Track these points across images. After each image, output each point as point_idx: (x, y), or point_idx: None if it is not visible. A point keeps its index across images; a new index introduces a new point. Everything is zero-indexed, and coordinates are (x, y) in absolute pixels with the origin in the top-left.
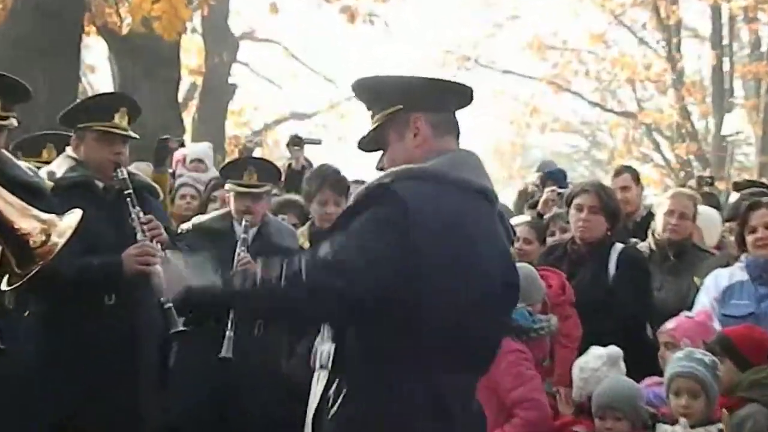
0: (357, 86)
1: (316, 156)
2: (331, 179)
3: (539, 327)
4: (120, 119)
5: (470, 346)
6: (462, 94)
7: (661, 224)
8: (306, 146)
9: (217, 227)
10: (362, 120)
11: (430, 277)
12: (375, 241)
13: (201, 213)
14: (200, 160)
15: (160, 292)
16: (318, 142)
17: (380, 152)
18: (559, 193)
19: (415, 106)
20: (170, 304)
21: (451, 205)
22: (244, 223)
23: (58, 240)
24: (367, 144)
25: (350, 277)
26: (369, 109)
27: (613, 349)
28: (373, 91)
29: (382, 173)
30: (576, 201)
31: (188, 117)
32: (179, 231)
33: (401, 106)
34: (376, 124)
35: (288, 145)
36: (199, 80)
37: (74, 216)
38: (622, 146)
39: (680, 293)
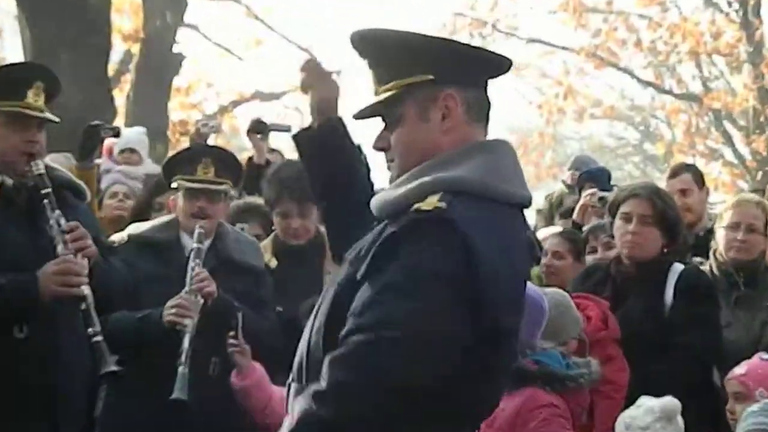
0: (362, 38)
1: (288, 147)
2: (291, 185)
3: (577, 374)
4: (34, 97)
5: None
6: (498, 68)
7: (723, 241)
8: (272, 134)
9: (160, 238)
10: (343, 101)
11: (497, 352)
12: (439, 319)
13: (138, 218)
14: (132, 150)
15: (88, 320)
16: (287, 129)
17: (379, 125)
18: (600, 198)
19: (449, 78)
20: (100, 338)
21: (507, 240)
22: (197, 230)
23: None
24: (367, 113)
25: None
26: (375, 70)
27: (669, 401)
28: (388, 49)
29: (416, 182)
30: (623, 209)
31: (121, 95)
32: (112, 243)
33: (431, 77)
34: (391, 92)
35: (248, 132)
36: (136, 48)
37: None
38: (683, 138)
39: (753, 330)
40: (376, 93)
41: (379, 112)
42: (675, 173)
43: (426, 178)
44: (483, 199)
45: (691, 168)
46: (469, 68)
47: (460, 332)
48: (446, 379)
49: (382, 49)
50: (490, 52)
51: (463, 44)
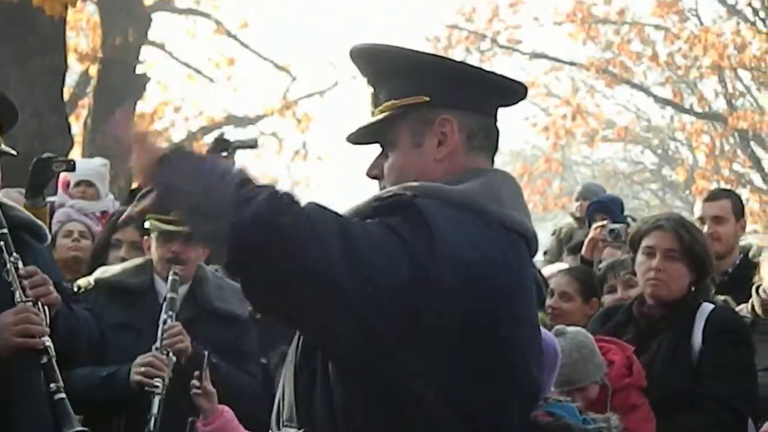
0: (360, 54)
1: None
2: None
3: (594, 429)
4: None
5: None
6: (511, 93)
7: None
8: (238, 152)
9: (131, 284)
10: (329, 126)
11: (435, 341)
12: (382, 252)
13: (97, 259)
14: (89, 183)
15: (50, 375)
16: (253, 145)
17: (374, 150)
18: (611, 231)
19: (447, 101)
20: (63, 395)
21: (490, 247)
22: (171, 277)
23: None
24: (362, 136)
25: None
26: (372, 89)
27: None
28: (384, 67)
29: (387, 189)
30: (646, 242)
31: (78, 123)
32: (76, 288)
33: (427, 98)
34: (384, 114)
35: (209, 151)
36: (94, 69)
37: None
38: (706, 162)
39: None
40: (372, 114)
41: (373, 136)
42: (712, 197)
43: (396, 186)
44: (456, 206)
45: (731, 195)
46: (472, 92)
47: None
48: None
49: (379, 67)
50: (499, 75)
51: (467, 65)
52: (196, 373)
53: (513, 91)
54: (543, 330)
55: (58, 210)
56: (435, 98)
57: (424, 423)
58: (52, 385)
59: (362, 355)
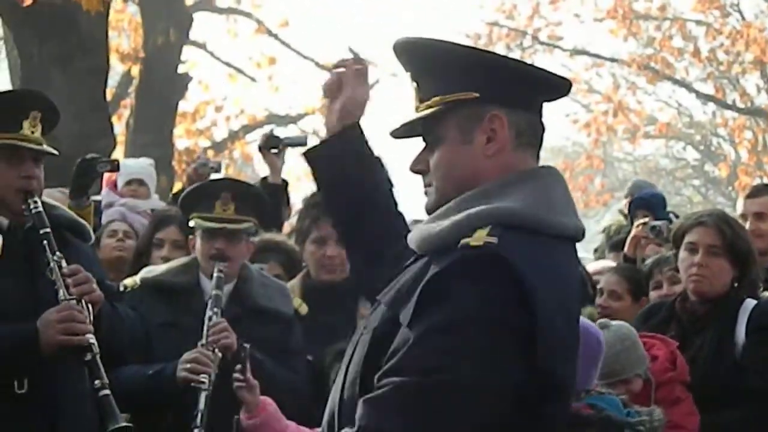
0: (404, 48)
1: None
2: None
3: (637, 422)
4: (30, 128)
5: None
6: (556, 89)
7: None
8: (288, 149)
9: (177, 282)
10: (370, 124)
11: (552, 402)
12: (487, 366)
13: (140, 258)
14: (141, 182)
15: (95, 372)
16: (303, 143)
17: (417, 145)
18: (653, 227)
19: (496, 97)
20: (107, 391)
21: (562, 279)
22: (216, 274)
23: None
24: (406, 131)
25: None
26: (417, 83)
27: None
28: (431, 62)
29: (462, 214)
30: (688, 239)
31: (120, 123)
32: (122, 287)
33: (476, 94)
34: (432, 109)
35: (261, 148)
36: (136, 69)
37: None
38: (748, 158)
39: None
40: (417, 110)
41: (419, 131)
42: (754, 193)
43: (473, 210)
44: (536, 233)
45: None
46: (520, 88)
47: (509, 381)
48: (493, 428)
49: (425, 62)
50: (545, 71)
51: (516, 60)
52: (238, 366)
53: (558, 87)
54: (587, 322)
55: (109, 209)
56: (484, 94)
57: None
58: (96, 381)
59: None
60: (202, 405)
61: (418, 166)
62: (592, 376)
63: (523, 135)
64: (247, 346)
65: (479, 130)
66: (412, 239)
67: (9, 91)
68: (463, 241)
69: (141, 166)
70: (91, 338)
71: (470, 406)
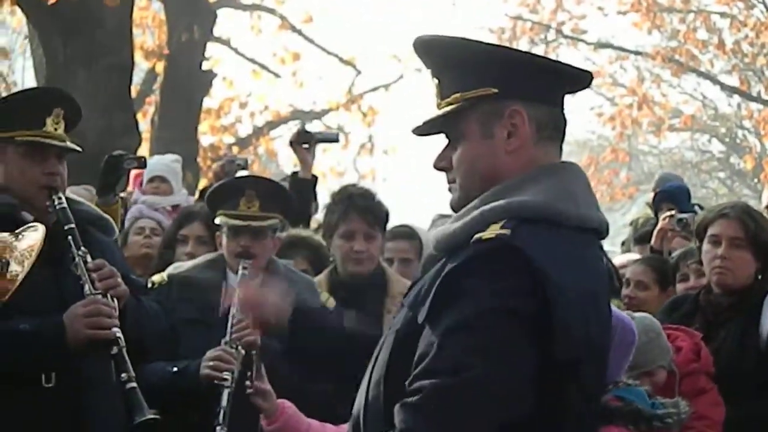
0: (424, 45)
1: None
2: (360, 202)
3: (664, 413)
4: (53, 125)
5: None
6: (576, 82)
7: None
8: (319, 145)
9: (204, 279)
10: (395, 119)
11: (574, 388)
12: (511, 357)
13: (165, 255)
14: (163, 179)
15: (121, 365)
16: (335, 139)
17: (441, 141)
18: (679, 220)
19: (515, 92)
20: (134, 384)
21: (581, 269)
22: (241, 271)
23: (18, 269)
24: (428, 128)
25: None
26: (438, 80)
27: None
28: (450, 59)
29: (476, 211)
30: (711, 231)
31: (145, 120)
32: (150, 284)
33: (495, 90)
34: (452, 106)
35: (293, 143)
36: (160, 66)
37: (36, 233)
38: None
39: None
40: (438, 107)
41: (441, 128)
42: None
43: (487, 207)
44: (553, 224)
45: None
46: (539, 82)
47: (532, 370)
48: (523, 419)
49: (445, 59)
50: (565, 64)
51: (534, 55)
52: (249, 373)
53: (579, 79)
54: (621, 313)
55: (132, 207)
56: (503, 90)
57: None
58: (123, 374)
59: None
60: (224, 402)
61: (442, 163)
62: (623, 366)
63: (545, 129)
64: (254, 352)
65: (500, 125)
66: (432, 241)
67: (31, 89)
68: (475, 236)
69: (163, 163)
70: (118, 332)
71: (498, 399)
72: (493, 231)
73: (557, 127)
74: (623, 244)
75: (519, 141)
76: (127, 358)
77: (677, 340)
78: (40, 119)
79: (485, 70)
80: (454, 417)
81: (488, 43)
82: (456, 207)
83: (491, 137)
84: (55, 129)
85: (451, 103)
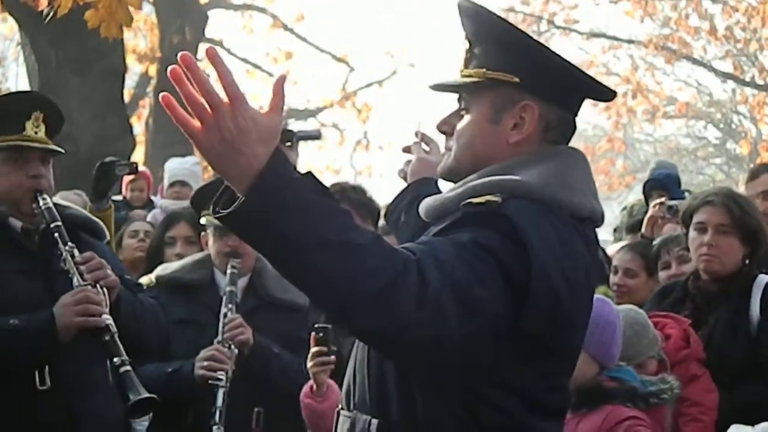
0: (468, 11)
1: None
2: (353, 196)
3: (658, 390)
4: (33, 128)
5: None
6: (599, 96)
7: None
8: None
9: (191, 279)
10: (389, 115)
11: (524, 349)
12: (485, 285)
13: (154, 257)
14: (183, 183)
15: (113, 350)
16: (317, 136)
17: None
18: (669, 207)
19: (535, 88)
20: (128, 368)
21: (566, 248)
22: (229, 270)
23: None
24: (444, 89)
25: (472, 313)
26: (469, 47)
27: (765, 428)
28: (489, 32)
29: (472, 182)
30: (697, 218)
31: (139, 123)
32: (140, 284)
33: (517, 79)
34: (474, 79)
35: None
36: (153, 69)
37: None
38: None
39: None
40: (461, 72)
41: (457, 91)
42: (755, 175)
43: (479, 181)
44: (542, 205)
45: None
46: (561, 86)
47: (500, 313)
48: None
49: (487, 31)
50: (592, 78)
51: (565, 61)
52: (321, 348)
53: (601, 94)
54: (600, 300)
55: (150, 213)
56: (525, 81)
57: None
58: (116, 359)
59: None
60: (220, 402)
61: (444, 127)
62: (613, 354)
63: (552, 130)
64: (329, 326)
65: (509, 114)
66: (422, 209)
67: (9, 94)
68: (465, 201)
69: (184, 167)
70: (108, 319)
71: (464, 300)
72: (483, 198)
73: (564, 132)
74: (615, 230)
75: (522, 136)
76: (119, 343)
77: (666, 328)
78: (20, 123)
79: (516, 57)
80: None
81: (528, 35)
82: (444, 175)
83: (497, 123)
84: (36, 132)
85: (472, 76)
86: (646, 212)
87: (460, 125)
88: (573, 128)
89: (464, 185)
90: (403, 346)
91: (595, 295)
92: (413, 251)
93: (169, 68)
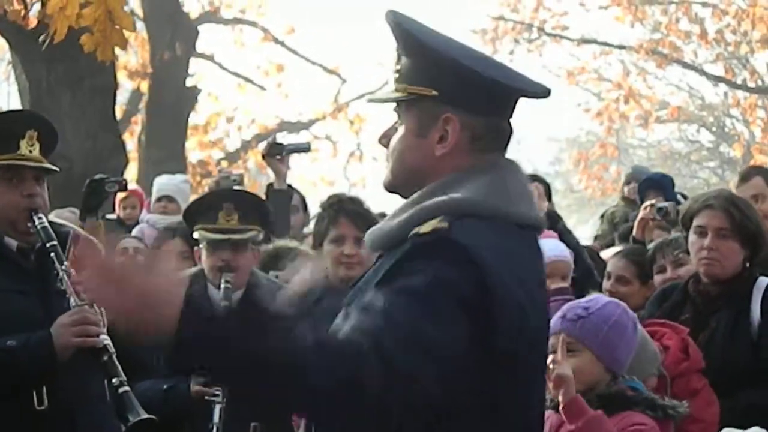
0: (390, 24)
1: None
2: (349, 207)
3: (672, 406)
4: (27, 147)
5: None
6: (530, 95)
7: None
8: (293, 156)
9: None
10: (382, 126)
11: (510, 374)
12: (445, 323)
13: None
14: (170, 199)
15: (112, 371)
16: (306, 149)
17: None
18: (659, 209)
19: (453, 100)
20: (126, 388)
21: (519, 259)
22: (223, 285)
23: None
24: (381, 101)
25: (442, 362)
26: (398, 58)
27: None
28: (408, 46)
29: (413, 209)
30: (697, 222)
31: (132, 139)
32: None
33: (435, 93)
34: (398, 95)
35: (264, 156)
36: (145, 85)
37: None
38: (762, 136)
39: None
40: (394, 80)
41: (391, 104)
42: (745, 178)
43: (425, 204)
44: (489, 219)
45: (761, 171)
46: (481, 96)
47: (453, 345)
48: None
49: (403, 45)
50: (519, 80)
51: (482, 70)
52: None
53: (533, 93)
54: (620, 303)
55: (136, 227)
56: (443, 94)
57: None
58: (114, 380)
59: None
60: (216, 418)
61: (383, 140)
62: (619, 357)
63: (480, 140)
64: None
65: (434, 128)
66: (368, 240)
67: (1, 114)
68: (413, 231)
69: (172, 183)
70: (106, 339)
71: (426, 358)
72: (430, 225)
73: (497, 138)
74: (596, 238)
75: (449, 147)
76: (117, 363)
77: (664, 338)
78: (14, 143)
79: (433, 70)
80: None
81: (445, 46)
82: (385, 188)
83: (424, 137)
84: (30, 151)
85: (398, 91)
86: (635, 217)
87: (393, 140)
88: (508, 133)
89: (406, 212)
90: (397, 424)
91: (609, 298)
92: (365, 330)
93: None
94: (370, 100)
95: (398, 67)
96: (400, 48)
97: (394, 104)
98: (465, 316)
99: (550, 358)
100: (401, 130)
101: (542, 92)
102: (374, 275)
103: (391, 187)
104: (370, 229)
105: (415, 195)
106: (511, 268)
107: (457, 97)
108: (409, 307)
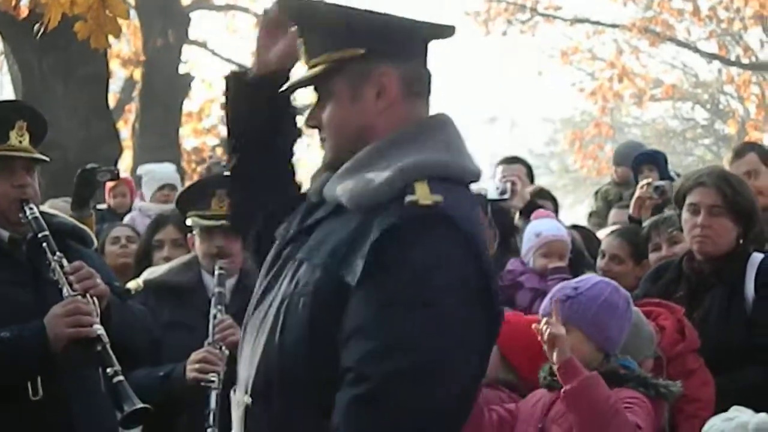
0: (287, 4)
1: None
2: None
3: (665, 384)
4: (17, 138)
5: None
6: (439, 35)
7: None
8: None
9: (179, 281)
10: None
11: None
12: (459, 330)
13: (142, 261)
14: (173, 187)
15: (106, 361)
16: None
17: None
18: (656, 188)
19: (383, 53)
20: (121, 377)
21: (482, 230)
22: (217, 271)
23: None
24: (299, 86)
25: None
26: (305, 40)
27: (765, 419)
28: (317, 19)
29: (395, 167)
30: (690, 200)
31: (126, 127)
32: (129, 291)
33: (362, 51)
34: (321, 67)
35: None
36: (138, 73)
37: None
38: (757, 113)
39: None
40: (308, 64)
41: (310, 85)
42: (738, 154)
43: (402, 164)
44: (458, 182)
45: (755, 147)
46: (404, 40)
47: (478, 339)
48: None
49: (312, 19)
50: (426, 21)
51: (396, 16)
52: None
53: (441, 33)
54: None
55: (127, 215)
56: (370, 51)
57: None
58: (108, 369)
59: None
60: (213, 404)
61: (312, 122)
62: (610, 336)
63: (413, 85)
64: None
65: (368, 86)
66: (336, 192)
67: None
68: (409, 199)
69: (170, 171)
70: (99, 329)
71: (447, 377)
72: (426, 196)
73: (422, 82)
74: (591, 216)
75: (388, 100)
76: (111, 353)
77: (660, 318)
78: (4, 133)
79: (351, 31)
80: (405, 410)
81: (352, 7)
82: (328, 167)
83: (360, 98)
84: (20, 141)
85: (319, 63)
86: (632, 195)
87: (325, 115)
88: (430, 76)
89: (377, 165)
90: None
91: (601, 278)
92: (365, 397)
93: None
94: (287, 89)
95: (309, 44)
96: (311, 22)
97: (310, 87)
98: (479, 308)
99: (543, 320)
100: (332, 103)
101: (448, 30)
102: (355, 235)
103: (337, 162)
104: (343, 185)
105: (367, 150)
106: (482, 237)
107: (383, 48)
108: (424, 330)
